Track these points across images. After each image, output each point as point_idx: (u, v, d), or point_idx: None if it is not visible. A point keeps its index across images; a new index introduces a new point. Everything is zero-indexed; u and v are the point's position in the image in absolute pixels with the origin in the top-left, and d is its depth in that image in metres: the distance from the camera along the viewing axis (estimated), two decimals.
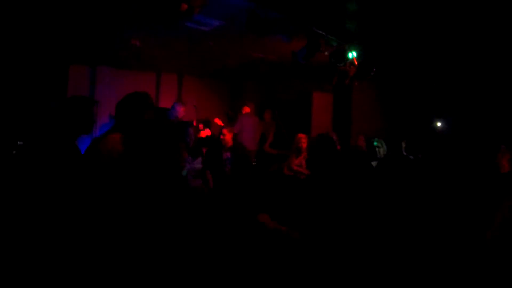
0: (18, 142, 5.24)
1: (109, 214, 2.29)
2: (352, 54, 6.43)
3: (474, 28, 5.69)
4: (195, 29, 5.99)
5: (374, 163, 5.72)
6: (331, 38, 6.14)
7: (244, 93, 10.85)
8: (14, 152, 4.97)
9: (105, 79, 8.57)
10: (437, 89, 7.70)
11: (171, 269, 2.70)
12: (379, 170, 4.94)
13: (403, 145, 4.83)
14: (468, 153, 6.06)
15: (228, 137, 5.89)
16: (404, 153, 4.81)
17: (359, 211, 3.00)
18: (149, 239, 2.44)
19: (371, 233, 2.92)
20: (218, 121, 6.53)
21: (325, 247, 2.82)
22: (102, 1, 4.92)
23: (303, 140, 6.14)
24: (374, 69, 6.76)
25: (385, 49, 6.79)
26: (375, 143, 5.76)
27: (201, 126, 6.29)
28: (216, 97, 10.44)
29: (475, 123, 7.06)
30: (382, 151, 5.55)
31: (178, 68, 9.56)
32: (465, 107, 7.31)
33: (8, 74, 6.40)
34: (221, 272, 3.34)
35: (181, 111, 6.72)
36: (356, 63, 6.56)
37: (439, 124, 8.44)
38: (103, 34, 6.30)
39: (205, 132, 6.24)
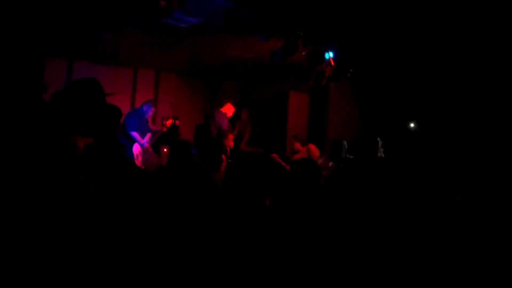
0: None
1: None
2: (328, 54, 6.50)
3: (450, 32, 5.81)
4: (173, 25, 5.97)
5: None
6: (308, 39, 6.19)
7: (222, 91, 10.86)
8: None
9: (81, 74, 8.43)
10: (413, 90, 7.82)
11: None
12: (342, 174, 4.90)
13: (380, 147, 4.76)
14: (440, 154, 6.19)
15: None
16: (380, 155, 4.75)
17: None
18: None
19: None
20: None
21: None
22: None
23: None
24: (351, 70, 6.84)
25: (362, 51, 6.87)
26: None
27: (177, 122, 6.36)
28: (193, 95, 10.40)
29: (449, 125, 7.18)
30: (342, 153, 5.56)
31: (155, 64, 9.50)
32: (439, 108, 7.43)
33: None
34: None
35: (150, 113, 6.72)
36: (333, 63, 6.63)
37: (412, 125, 8.58)
38: (81, 29, 6.22)
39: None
